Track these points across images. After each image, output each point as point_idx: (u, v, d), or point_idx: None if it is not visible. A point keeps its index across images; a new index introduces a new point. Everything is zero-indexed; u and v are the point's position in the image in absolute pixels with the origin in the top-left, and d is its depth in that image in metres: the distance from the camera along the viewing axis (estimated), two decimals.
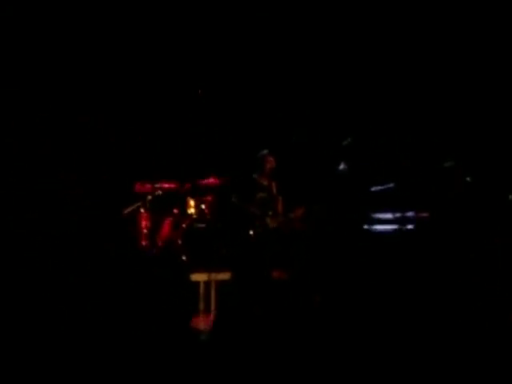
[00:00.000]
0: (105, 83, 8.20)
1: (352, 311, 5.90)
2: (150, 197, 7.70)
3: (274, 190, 7.55)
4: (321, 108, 8.85)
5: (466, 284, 6.26)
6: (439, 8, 8.13)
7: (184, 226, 7.46)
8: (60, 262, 6.81)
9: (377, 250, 7.30)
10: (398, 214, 7.57)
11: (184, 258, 7.20)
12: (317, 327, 5.48)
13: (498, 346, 4.93)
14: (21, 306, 5.71)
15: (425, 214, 7.36)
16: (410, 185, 7.61)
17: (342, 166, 7.67)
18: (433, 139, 8.32)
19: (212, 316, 6.10)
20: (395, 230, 7.55)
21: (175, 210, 7.72)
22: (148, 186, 7.73)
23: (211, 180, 7.77)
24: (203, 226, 7.49)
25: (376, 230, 7.67)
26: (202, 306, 6.33)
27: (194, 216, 7.63)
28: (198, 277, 6.48)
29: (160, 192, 7.73)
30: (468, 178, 7.19)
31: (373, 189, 7.72)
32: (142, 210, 7.68)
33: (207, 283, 6.43)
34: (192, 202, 7.69)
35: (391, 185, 7.61)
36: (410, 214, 7.52)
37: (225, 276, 6.57)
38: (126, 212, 7.66)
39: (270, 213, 7.36)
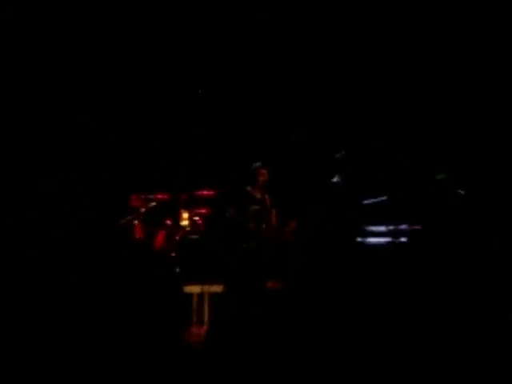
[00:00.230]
0: (105, 83, 8.21)
1: (346, 323, 5.89)
2: (143, 209, 7.69)
3: (268, 203, 7.55)
4: (314, 119, 8.87)
5: (464, 287, 6.26)
6: (435, 17, 8.17)
7: (177, 237, 7.45)
8: (59, 263, 6.79)
9: (370, 262, 7.30)
10: (391, 227, 7.58)
11: (177, 269, 7.18)
12: (311, 338, 5.47)
13: (498, 345, 4.93)
14: (21, 305, 5.70)
15: (418, 227, 7.37)
16: (403, 197, 7.63)
17: (335, 179, 7.68)
18: (425, 152, 8.35)
19: (205, 328, 6.08)
20: (388, 242, 7.56)
21: (168, 222, 7.71)
22: (142, 197, 7.72)
23: (205, 192, 7.77)
24: (196, 237, 7.48)
25: (369, 242, 7.68)
26: (195, 317, 6.31)
27: (188, 228, 7.62)
28: (192, 289, 6.47)
29: (154, 203, 7.72)
30: (460, 191, 7.21)
31: (366, 201, 7.74)
32: (136, 222, 7.66)
33: (200, 295, 6.42)
34: (185, 214, 7.68)
35: (384, 197, 7.63)
36: (403, 226, 7.53)
37: (218, 288, 6.56)
38: (120, 223, 7.64)
39: (264, 225, 7.35)
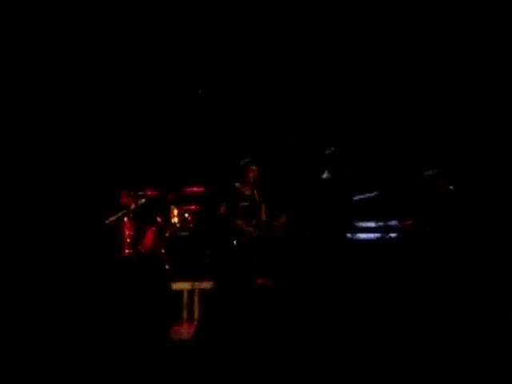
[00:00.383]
0: (105, 83, 8.19)
1: (336, 320, 5.90)
2: (133, 205, 7.66)
3: (257, 199, 7.55)
4: (305, 117, 8.87)
5: (461, 286, 6.28)
6: (432, 19, 8.19)
7: (167, 234, 7.44)
8: (59, 263, 6.78)
9: (360, 258, 7.32)
10: (381, 223, 7.61)
11: (167, 266, 7.17)
12: (301, 334, 5.47)
13: (498, 346, 4.94)
14: (20, 305, 5.69)
15: (408, 223, 7.39)
16: (393, 193, 7.65)
17: (325, 175, 7.70)
18: (415, 148, 8.37)
19: (195, 324, 6.07)
20: (378, 238, 7.58)
21: (158, 219, 7.69)
22: (132, 194, 7.70)
23: (195, 189, 7.75)
24: (186, 234, 7.47)
25: (359, 238, 7.70)
26: (185, 314, 6.30)
27: (178, 225, 7.61)
28: (181, 285, 6.46)
29: (143, 200, 7.70)
30: (451, 186, 7.24)
31: (356, 197, 7.76)
32: (126, 219, 7.63)
33: (190, 292, 6.41)
34: (175, 211, 7.66)
35: (374, 193, 7.65)
36: (393, 222, 7.56)
37: (208, 285, 6.56)
38: (108, 221, 7.62)
39: (253, 221, 7.36)
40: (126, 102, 8.42)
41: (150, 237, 7.58)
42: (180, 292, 6.38)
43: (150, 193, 7.78)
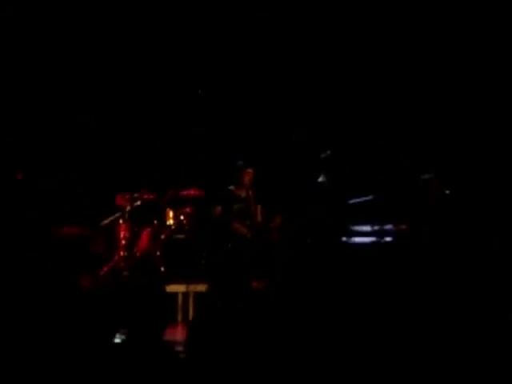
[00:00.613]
0: (105, 83, 8.20)
1: (331, 323, 5.89)
2: (128, 207, 7.65)
3: (252, 201, 7.54)
4: (303, 118, 8.88)
5: (460, 286, 6.28)
6: (431, 20, 8.21)
7: (162, 236, 7.43)
8: (59, 263, 6.78)
9: (355, 262, 7.31)
10: (376, 227, 7.60)
11: (162, 268, 7.16)
12: (296, 337, 5.47)
13: (498, 346, 4.93)
14: (20, 305, 5.68)
15: (403, 227, 7.40)
16: (389, 197, 7.65)
17: (321, 178, 7.70)
18: (411, 152, 8.38)
19: (189, 327, 6.06)
20: (374, 242, 7.58)
21: (154, 221, 7.68)
22: (127, 196, 7.69)
23: (190, 191, 7.75)
24: (182, 236, 7.46)
25: (354, 242, 7.70)
26: (179, 316, 6.31)
27: (173, 227, 7.59)
28: (176, 288, 6.46)
29: (139, 202, 7.69)
30: (446, 190, 7.25)
31: (351, 201, 7.76)
32: (121, 221, 7.62)
33: (185, 294, 6.42)
34: (171, 213, 7.65)
35: (370, 197, 7.65)
36: (388, 226, 7.56)
37: (203, 287, 6.56)
38: (104, 223, 7.61)
39: (248, 223, 7.36)
40: (126, 102, 8.42)
41: (145, 239, 7.57)
42: (175, 294, 6.39)
43: (145, 195, 7.78)
